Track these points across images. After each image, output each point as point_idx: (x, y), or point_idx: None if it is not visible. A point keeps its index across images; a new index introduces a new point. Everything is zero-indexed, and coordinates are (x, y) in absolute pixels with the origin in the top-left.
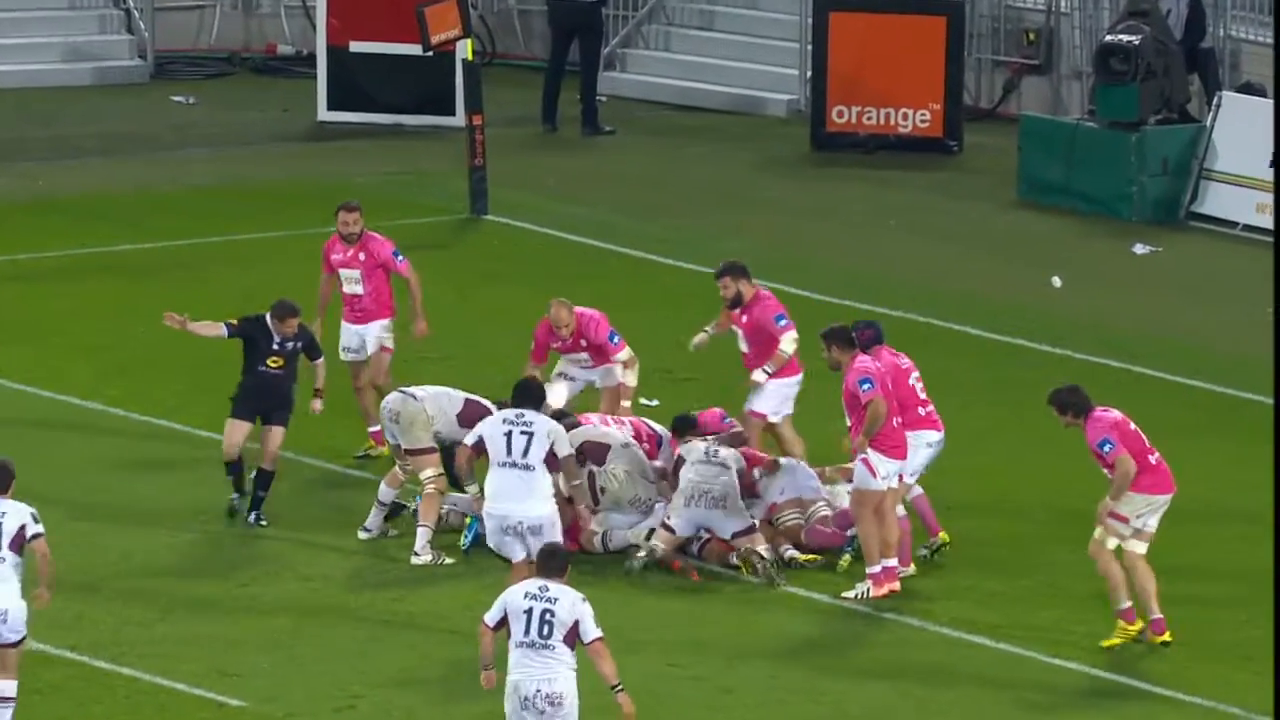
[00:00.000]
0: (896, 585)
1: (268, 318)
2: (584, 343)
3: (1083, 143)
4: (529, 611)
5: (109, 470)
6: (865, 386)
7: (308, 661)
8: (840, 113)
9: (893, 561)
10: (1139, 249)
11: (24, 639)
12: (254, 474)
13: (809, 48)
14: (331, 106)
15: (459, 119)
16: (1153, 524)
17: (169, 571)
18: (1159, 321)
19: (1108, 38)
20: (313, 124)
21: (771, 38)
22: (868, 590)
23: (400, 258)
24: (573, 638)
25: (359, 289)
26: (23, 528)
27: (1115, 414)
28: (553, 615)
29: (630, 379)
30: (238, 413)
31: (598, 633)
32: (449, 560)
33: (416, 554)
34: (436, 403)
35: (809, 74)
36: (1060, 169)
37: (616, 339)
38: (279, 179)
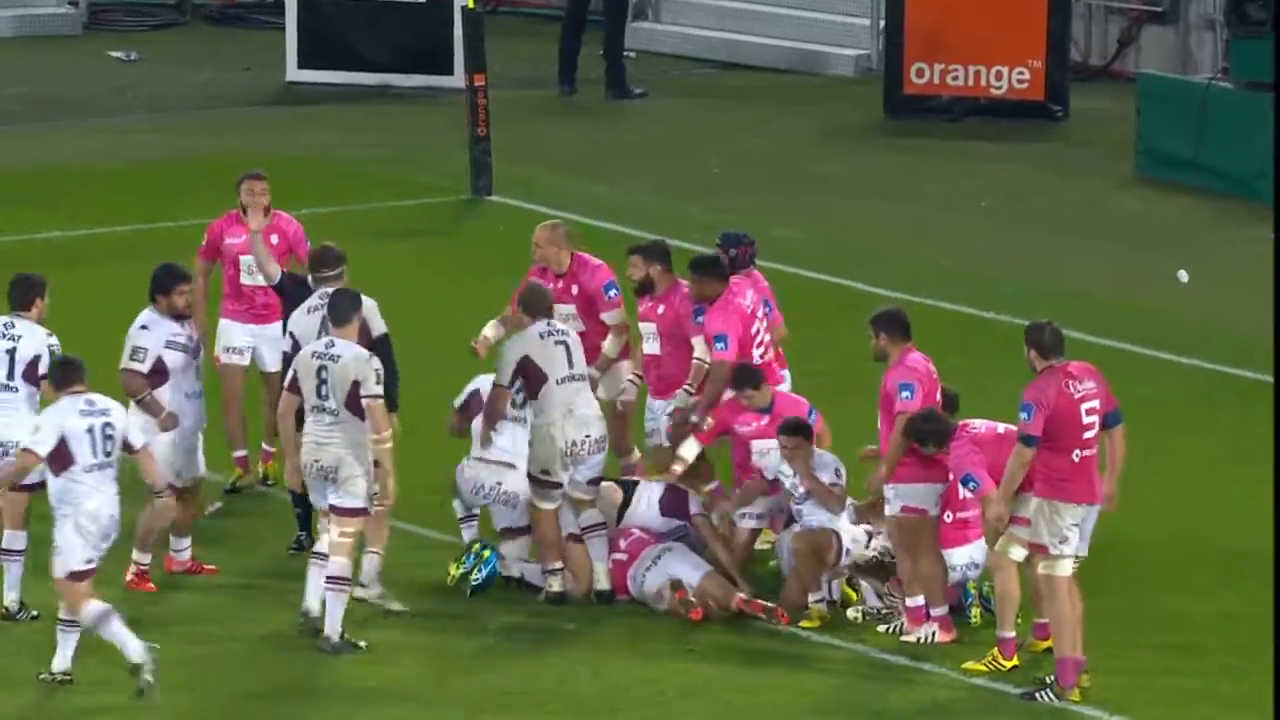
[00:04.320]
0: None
1: (310, 279)
2: (575, 289)
3: (1215, 107)
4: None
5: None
6: (905, 395)
7: None
8: (920, 71)
9: (920, 601)
10: (1183, 276)
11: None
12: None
13: None
14: (303, 64)
15: (458, 79)
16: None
17: None
18: None
19: None
20: (280, 85)
21: None
22: (933, 634)
23: (308, 244)
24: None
25: (261, 280)
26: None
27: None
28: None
29: (613, 349)
30: None
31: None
32: (396, 607)
33: (363, 584)
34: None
35: (882, 24)
36: (1187, 139)
37: (614, 292)
38: (239, 152)
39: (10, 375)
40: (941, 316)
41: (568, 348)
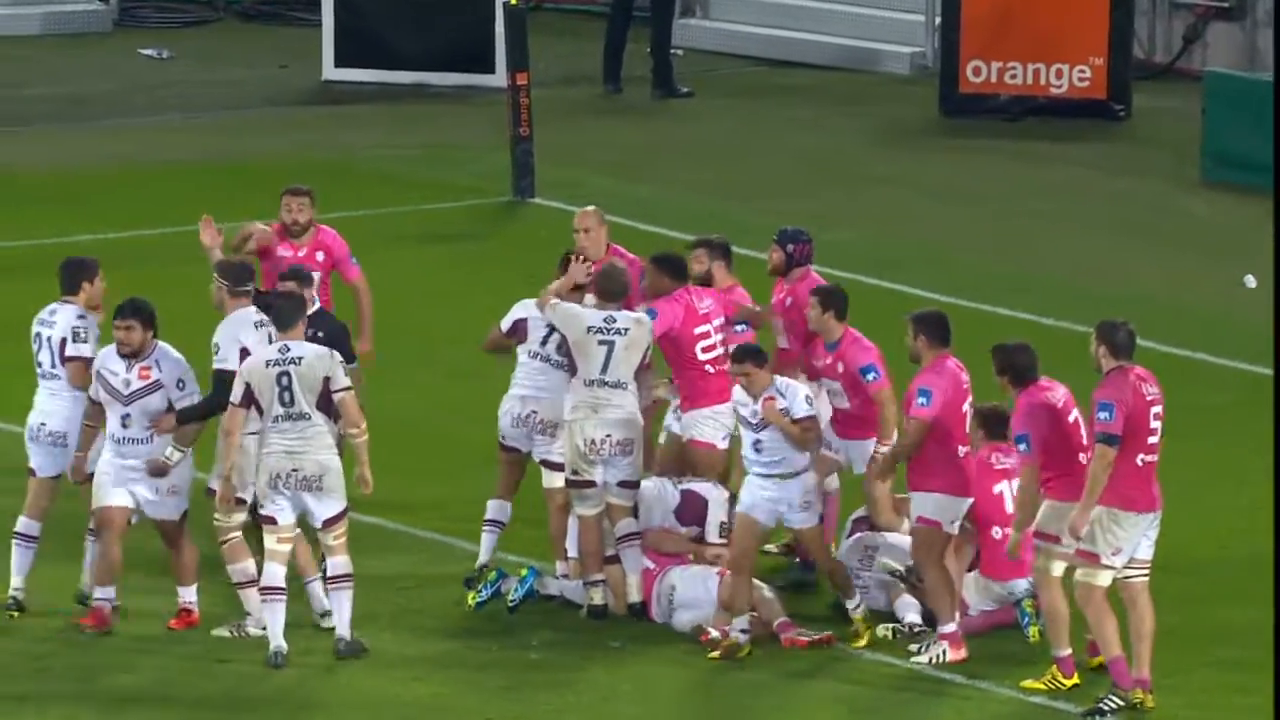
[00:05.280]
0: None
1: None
2: None
3: None
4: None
5: (55, 521)
6: (920, 400)
7: None
8: (977, 69)
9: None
10: (1250, 281)
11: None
12: None
13: None
14: (340, 62)
15: (499, 78)
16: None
17: None
18: None
19: None
20: (316, 84)
21: None
22: (943, 653)
23: (355, 261)
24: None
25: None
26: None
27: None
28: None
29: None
30: None
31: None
32: (254, 631)
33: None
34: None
35: (938, 20)
36: (1255, 140)
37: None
38: (273, 153)
39: (54, 363)
40: (999, 323)
41: (610, 352)
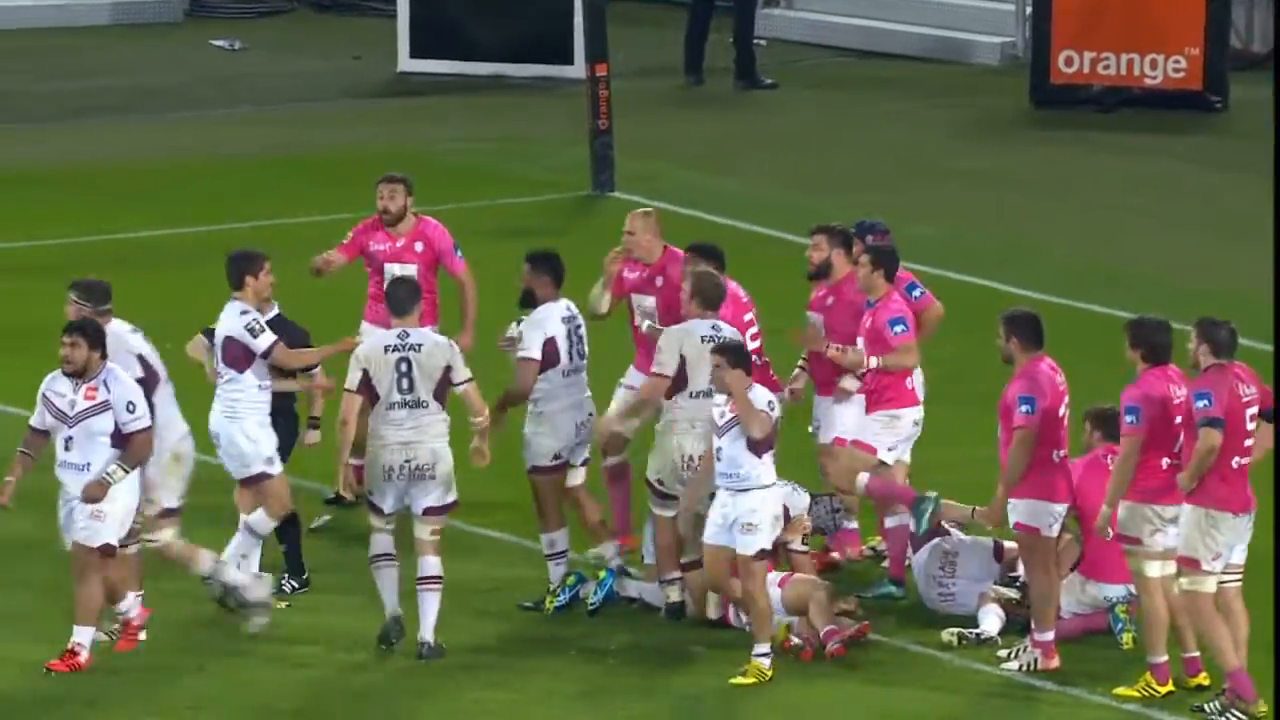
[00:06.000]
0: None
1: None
2: (660, 281)
3: None
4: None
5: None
6: (1024, 409)
7: None
8: (1069, 60)
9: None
10: None
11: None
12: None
13: None
14: (415, 53)
15: (578, 69)
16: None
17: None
18: None
19: None
20: (391, 76)
21: None
22: (1035, 660)
23: (460, 253)
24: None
25: None
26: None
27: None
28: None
29: None
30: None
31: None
32: (236, 578)
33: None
34: None
35: (1029, 10)
36: None
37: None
38: (346, 146)
39: (220, 363)
40: (1092, 320)
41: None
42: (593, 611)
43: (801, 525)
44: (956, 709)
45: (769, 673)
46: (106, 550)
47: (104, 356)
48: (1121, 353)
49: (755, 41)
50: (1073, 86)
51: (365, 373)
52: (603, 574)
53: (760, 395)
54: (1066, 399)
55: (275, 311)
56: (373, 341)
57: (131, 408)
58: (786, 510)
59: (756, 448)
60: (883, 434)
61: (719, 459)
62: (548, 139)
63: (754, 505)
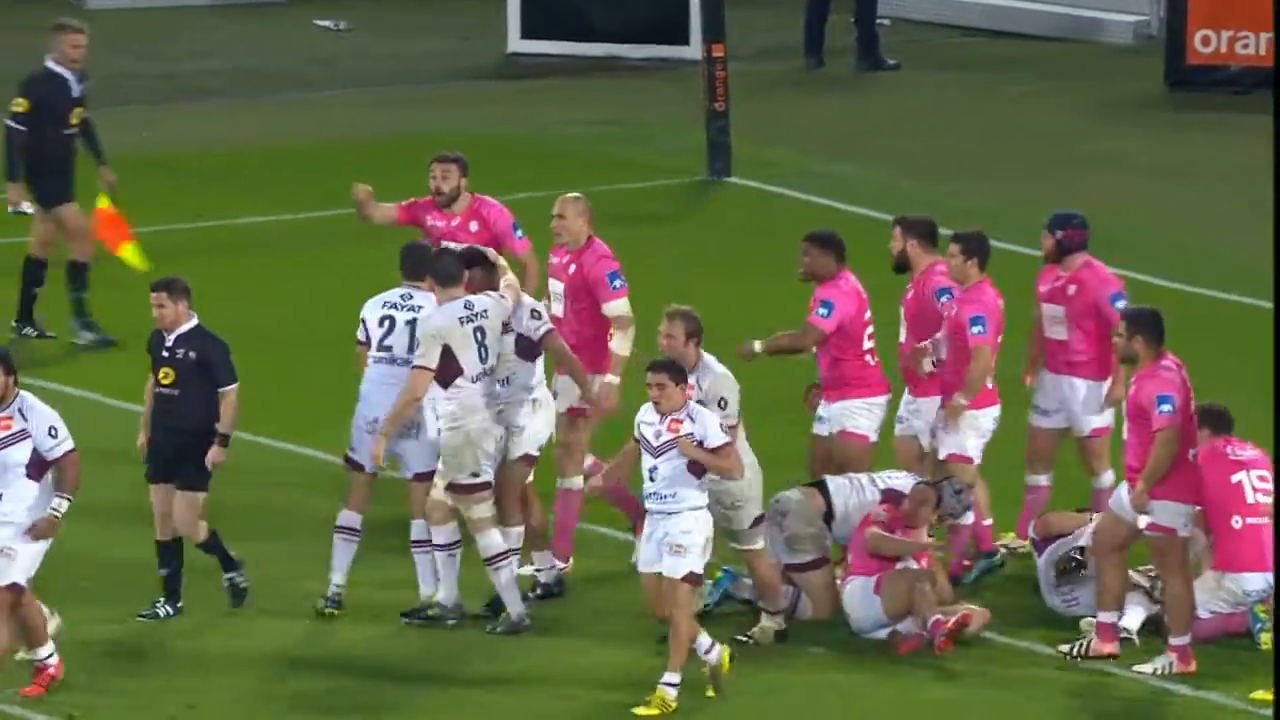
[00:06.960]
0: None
1: None
2: (573, 268)
3: None
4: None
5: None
6: (1165, 408)
7: None
8: (1206, 39)
9: (1112, 616)
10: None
11: None
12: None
13: None
14: (526, 34)
15: (694, 50)
16: None
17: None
18: None
19: None
20: (501, 57)
21: None
22: (1171, 664)
23: (520, 234)
24: None
25: None
26: None
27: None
28: None
29: (622, 346)
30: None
31: None
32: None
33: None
34: None
35: None
36: None
37: (618, 283)
38: (454, 129)
39: (410, 348)
40: (1225, 310)
41: None
42: (708, 610)
43: (923, 517)
44: (1087, 712)
45: (673, 704)
46: (14, 589)
47: (16, 384)
48: (1252, 344)
49: (878, 21)
50: (1209, 67)
51: (446, 348)
52: (719, 574)
53: (709, 418)
54: (1191, 394)
55: (194, 322)
56: (444, 318)
57: (54, 432)
58: (896, 495)
59: (698, 470)
60: (969, 437)
61: (651, 479)
62: (662, 122)
63: (687, 527)
